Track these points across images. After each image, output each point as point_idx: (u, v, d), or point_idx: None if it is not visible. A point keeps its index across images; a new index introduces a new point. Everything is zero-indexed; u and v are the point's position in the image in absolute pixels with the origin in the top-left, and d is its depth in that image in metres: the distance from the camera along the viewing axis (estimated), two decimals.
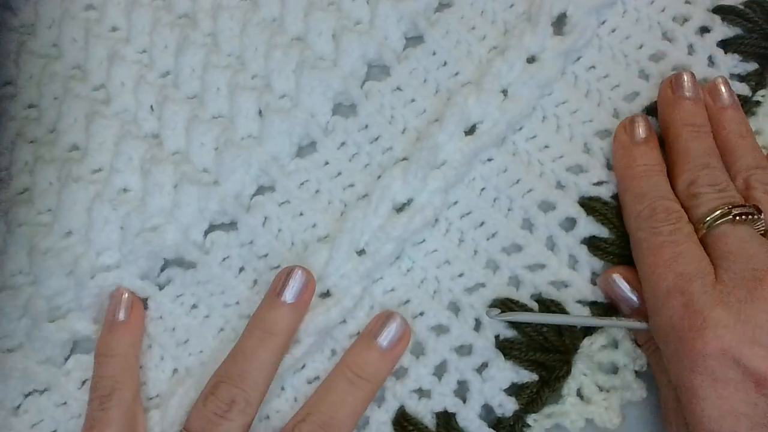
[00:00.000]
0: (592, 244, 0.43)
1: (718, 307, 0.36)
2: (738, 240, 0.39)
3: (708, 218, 0.40)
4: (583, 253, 0.43)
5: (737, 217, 0.39)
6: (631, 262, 0.42)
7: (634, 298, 0.41)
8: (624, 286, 0.42)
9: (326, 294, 0.43)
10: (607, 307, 0.43)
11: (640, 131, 0.44)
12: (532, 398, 0.41)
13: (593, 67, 0.47)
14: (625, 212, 0.43)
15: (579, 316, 0.42)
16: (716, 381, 0.35)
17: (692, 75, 0.45)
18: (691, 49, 0.47)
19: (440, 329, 0.43)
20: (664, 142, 0.45)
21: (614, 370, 0.42)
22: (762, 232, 0.40)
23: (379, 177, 0.45)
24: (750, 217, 0.39)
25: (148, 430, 0.41)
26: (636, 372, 0.41)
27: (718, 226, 0.39)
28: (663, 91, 0.45)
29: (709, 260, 0.39)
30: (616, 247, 0.43)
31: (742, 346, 0.35)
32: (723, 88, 0.44)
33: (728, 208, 0.39)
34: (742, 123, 0.44)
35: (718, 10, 0.47)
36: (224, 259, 0.45)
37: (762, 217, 0.40)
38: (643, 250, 0.40)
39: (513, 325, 0.42)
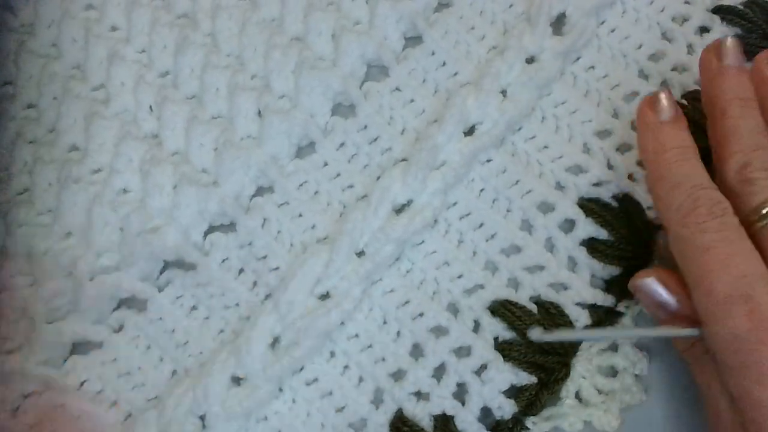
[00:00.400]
0: (591, 246, 0.43)
1: None
2: None
3: (765, 209, 0.36)
4: (582, 255, 0.43)
5: None
6: (632, 264, 0.42)
7: (673, 301, 0.38)
8: (661, 290, 0.38)
9: (325, 296, 0.43)
10: (608, 311, 0.42)
11: (668, 108, 0.40)
12: (531, 401, 0.41)
13: (592, 67, 0.47)
14: (662, 205, 0.38)
15: (626, 329, 0.41)
16: None
17: (738, 42, 0.40)
18: (690, 49, 0.47)
19: (439, 331, 0.42)
20: (706, 118, 0.41)
21: (613, 373, 0.42)
22: None
23: (378, 178, 0.45)
24: None
25: (145, 431, 0.41)
26: (636, 375, 0.41)
27: None
28: (706, 60, 0.41)
29: (762, 260, 0.35)
30: (615, 249, 0.43)
31: None
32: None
33: None
34: (748, 88, 0.40)
35: (718, 10, 0.47)
36: (224, 260, 0.45)
37: None
38: (690, 250, 0.36)
39: (512, 327, 0.42)
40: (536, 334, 0.40)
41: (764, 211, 0.36)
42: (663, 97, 0.40)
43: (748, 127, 0.38)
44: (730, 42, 0.40)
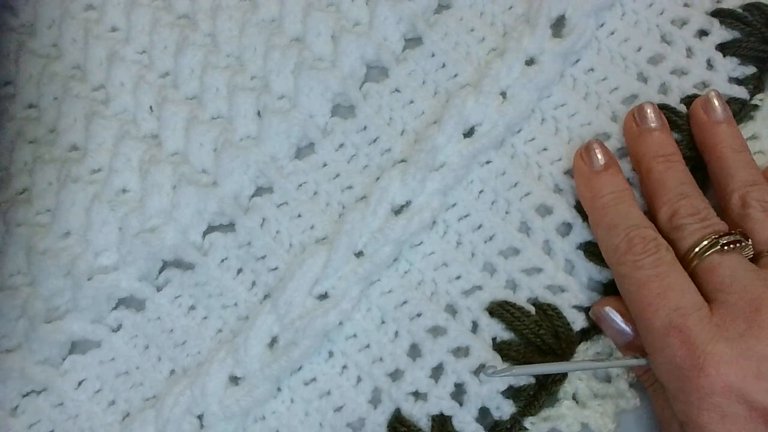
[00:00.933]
0: (588, 249, 0.43)
1: (718, 342, 0.35)
2: (729, 270, 0.38)
3: (696, 250, 0.39)
4: (579, 258, 0.43)
5: (725, 247, 0.38)
6: None
7: (629, 330, 0.40)
8: (617, 319, 0.40)
9: (324, 296, 0.43)
10: None
11: (599, 158, 0.43)
12: (529, 401, 0.41)
13: (592, 69, 0.48)
14: (602, 247, 0.41)
15: (577, 362, 0.41)
16: (724, 417, 0.35)
17: (654, 105, 0.44)
18: (689, 52, 0.47)
19: (437, 331, 0.42)
20: (638, 176, 0.44)
21: (608, 378, 0.42)
22: (750, 257, 0.39)
23: (377, 179, 0.45)
24: (738, 244, 0.38)
25: (142, 430, 0.41)
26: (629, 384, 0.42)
27: (707, 257, 0.38)
28: (627, 125, 0.45)
29: (698, 291, 0.38)
30: None
31: (746, 381, 0.35)
32: (716, 102, 0.43)
33: (715, 238, 0.38)
34: (737, 138, 0.43)
35: (717, 13, 0.48)
36: (222, 260, 0.45)
37: (749, 243, 0.39)
38: (629, 286, 0.39)
39: (510, 327, 0.42)
40: (490, 371, 0.40)
41: (696, 250, 0.39)
42: (594, 147, 0.43)
43: (673, 180, 0.41)
44: (647, 107, 0.44)
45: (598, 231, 0.42)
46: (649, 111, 0.44)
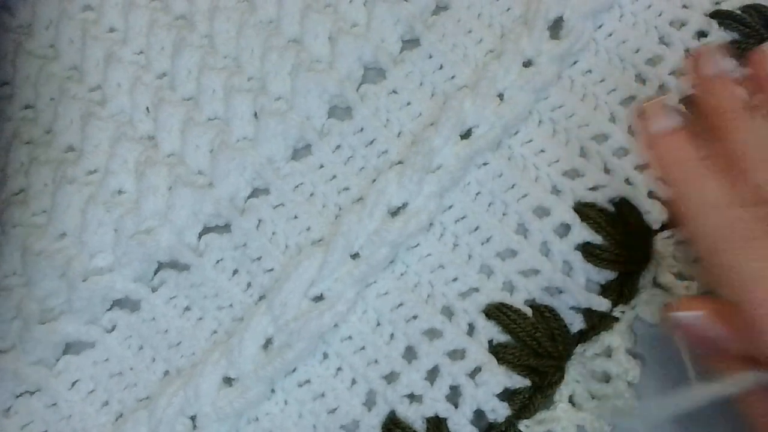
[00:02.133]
0: (587, 250, 0.43)
1: None
2: None
3: None
4: (577, 259, 0.43)
5: None
6: (628, 269, 0.42)
7: (727, 335, 0.33)
8: (714, 324, 0.33)
9: (319, 298, 0.43)
10: (603, 316, 0.42)
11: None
12: (524, 404, 0.41)
13: (590, 71, 0.47)
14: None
15: (700, 386, 0.33)
16: None
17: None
18: (688, 54, 0.47)
19: (433, 333, 0.42)
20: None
21: (606, 378, 0.41)
22: None
23: (374, 181, 0.45)
24: None
25: (136, 431, 0.41)
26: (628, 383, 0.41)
27: None
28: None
29: None
30: (611, 253, 0.42)
31: None
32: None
33: None
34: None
35: (715, 14, 0.47)
36: (218, 261, 0.45)
37: None
38: (736, 280, 0.32)
39: (507, 330, 0.42)
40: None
41: None
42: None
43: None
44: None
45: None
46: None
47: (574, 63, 0.48)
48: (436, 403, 0.41)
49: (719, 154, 0.35)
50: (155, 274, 0.45)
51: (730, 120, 0.35)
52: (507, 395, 0.41)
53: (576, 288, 0.42)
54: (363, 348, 0.42)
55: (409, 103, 0.47)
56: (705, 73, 0.37)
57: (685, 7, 0.48)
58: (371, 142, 0.46)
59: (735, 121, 0.35)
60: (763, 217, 0.32)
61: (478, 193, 0.45)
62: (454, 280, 0.43)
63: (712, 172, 0.34)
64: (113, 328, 0.44)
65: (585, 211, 0.44)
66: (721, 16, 0.47)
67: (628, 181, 0.44)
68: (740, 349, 0.32)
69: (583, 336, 0.42)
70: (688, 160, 0.35)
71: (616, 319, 0.42)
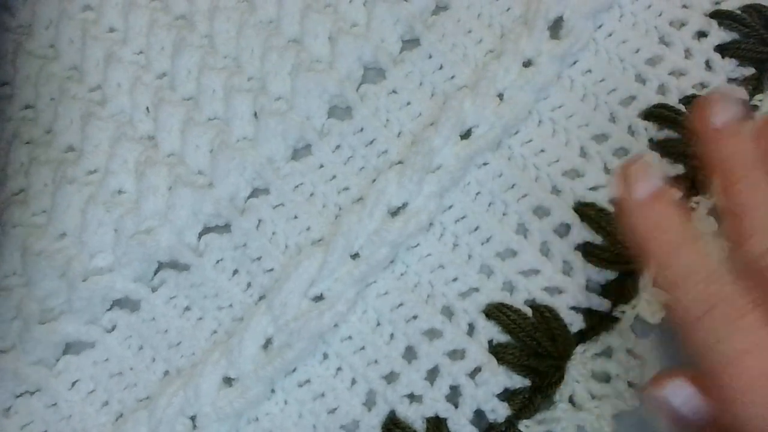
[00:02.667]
0: (587, 250, 0.43)
1: None
2: None
3: None
4: (577, 259, 0.43)
5: None
6: (628, 269, 0.42)
7: (705, 405, 0.30)
8: (693, 392, 0.31)
9: (319, 297, 0.43)
10: (603, 316, 0.42)
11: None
12: (524, 404, 0.41)
13: (590, 71, 0.47)
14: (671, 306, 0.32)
15: None
16: None
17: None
18: (688, 54, 0.47)
19: (433, 333, 0.42)
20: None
21: (606, 378, 0.41)
22: None
23: (374, 181, 0.45)
24: None
25: (135, 431, 0.41)
26: (629, 382, 0.41)
27: None
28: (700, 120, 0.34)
29: None
30: (611, 254, 0.42)
31: None
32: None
33: None
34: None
35: (715, 14, 0.47)
36: (218, 261, 0.45)
37: None
38: (714, 357, 0.30)
39: (507, 330, 0.42)
40: None
41: None
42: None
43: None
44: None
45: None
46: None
47: (574, 63, 0.48)
48: (436, 403, 0.41)
49: (722, 208, 0.33)
50: (155, 274, 0.45)
51: (739, 179, 0.32)
52: (507, 395, 0.41)
53: (576, 288, 0.42)
54: (363, 348, 0.42)
55: (409, 103, 0.47)
56: (714, 123, 0.33)
57: (684, 7, 0.48)
58: (371, 142, 0.46)
59: (743, 182, 0.32)
60: (752, 288, 0.30)
61: (478, 193, 0.45)
62: (454, 280, 0.43)
63: (696, 239, 0.32)
64: (113, 328, 0.44)
65: (585, 211, 0.43)
66: (721, 16, 0.47)
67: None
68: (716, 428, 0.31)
69: (583, 336, 0.42)
70: (671, 229, 0.32)
71: (616, 319, 0.42)
